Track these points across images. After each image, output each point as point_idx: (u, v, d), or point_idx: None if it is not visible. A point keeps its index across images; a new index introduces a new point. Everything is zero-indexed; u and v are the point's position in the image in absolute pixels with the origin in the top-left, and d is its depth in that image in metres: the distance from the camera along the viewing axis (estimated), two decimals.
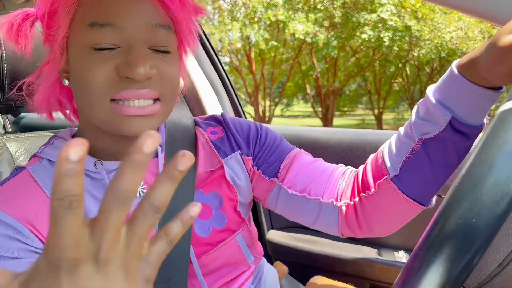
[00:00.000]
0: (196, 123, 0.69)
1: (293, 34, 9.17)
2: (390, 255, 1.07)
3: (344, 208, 0.61)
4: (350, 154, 1.13)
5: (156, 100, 0.52)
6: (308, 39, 9.40)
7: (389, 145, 0.57)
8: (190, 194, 0.58)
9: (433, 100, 0.50)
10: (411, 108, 15.07)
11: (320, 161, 0.67)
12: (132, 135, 0.51)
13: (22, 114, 0.96)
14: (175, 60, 0.54)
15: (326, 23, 9.67)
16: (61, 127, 0.91)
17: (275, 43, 10.35)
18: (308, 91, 14.11)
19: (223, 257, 0.60)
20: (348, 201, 0.61)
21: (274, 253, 1.27)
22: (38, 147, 0.78)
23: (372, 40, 9.38)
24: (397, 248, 1.10)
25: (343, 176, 0.64)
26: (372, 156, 0.61)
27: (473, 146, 0.50)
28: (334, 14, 9.40)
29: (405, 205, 0.56)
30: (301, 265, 1.18)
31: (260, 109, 12.38)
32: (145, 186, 0.56)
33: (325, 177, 0.63)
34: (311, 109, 17.58)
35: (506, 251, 0.90)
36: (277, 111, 19.40)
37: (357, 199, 0.59)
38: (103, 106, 0.49)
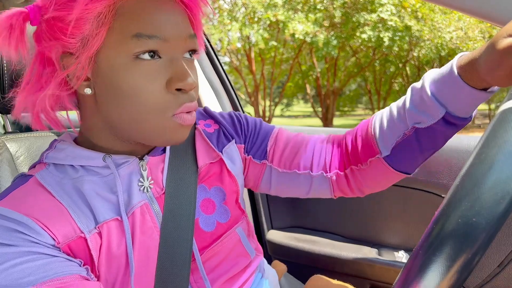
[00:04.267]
0: None
1: (293, 34, 9.17)
2: (390, 255, 1.07)
3: (334, 177, 0.65)
4: None
5: None
6: (308, 39, 9.40)
7: (381, 123, 0.60)
8: (193, 191, 0.58)
9: (429, 93, 0.52)
10: None
11: (300, 134, 0.70)
12: (176, 143, 0.53)
13: (22, 114, 0.96)
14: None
15: (326, 23, 9.66)
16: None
17: (275, 43, 10.35)
18: (308, 91, 14.12)
19: (225, 250, 0.60)
20: (338, 171, 0.65)
21: (274, 253, 1.27)
22: (38, 147, 0.78)
23: (372, 40, 9.38)
24: (397, 248, 1.10)
25: (326, 145, 0.67)
26: (361, 128, 0.64)
27: (473, 146, 0.50)
28: (334, 14, 9.39)
29: (394, 176, 0.62)
30: (301, 265, 1.18)
31: (260, 109, 12.38)
32: (152, 181, 0.56)
33: (309, 150, 0.66)
34: (311, 109, 17.58)
35: (506, 251, 0.90)
36: (277, 111, 19.41)
37: (348, 170, 0.64)
38: (166, 122, 0.50)
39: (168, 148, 0.60)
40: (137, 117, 0.49)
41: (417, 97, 0.54)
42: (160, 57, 0.48)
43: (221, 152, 0.64)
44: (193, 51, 0.53)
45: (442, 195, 1.00)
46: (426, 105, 0.53)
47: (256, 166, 0.68)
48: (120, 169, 0.54)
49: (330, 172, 0.65)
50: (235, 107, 1.43)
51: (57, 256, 0.45)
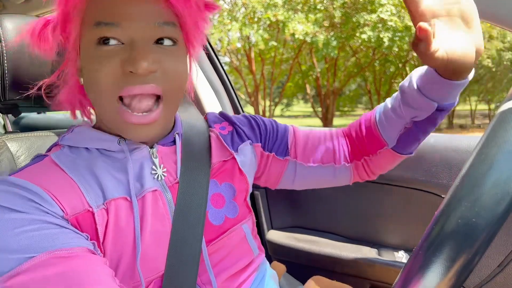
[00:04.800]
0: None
1: (293, 35, 9.16)
2: (390, 255, 1.07)
3: (353, 166, 0.74)
4: None
5: (158, 100, 0.53)
6: (308, 39, 9.40)
7: (381, 119, 0.68)
8: (205, 184, 0.61)
9: (421, 94, 0.59)
10: None
11: (313, 130, 0.77)
12: (137, 141, 0.56)
13: (22, 114, 0.96)
14: (180, 54, 0.55)
15: (326, 23, 9.66)
16: (61, 127, 0.91)
17: (275, 43, 10.35)
18: (308, 91, 14.12)
19: (230, 245, 0.62)
20: (356, 161, 0.74)
21: (274, 253, 1.27)
22: (38, 146, 0.79)
23: (372, 40, 9.38)
24: (397, 248, 1.10)
25: (341, 139, 0.75)
26: (364, 123, 0.72)
27: (473, 146, 0.50)
28: (333, 14, 9.39)
29: (400, 158, 0.71)
30: (301, 265, 1.18)
31: (260, 109, 12.39)
32: (165, 169, 0.59)
33: (329, 144, 0.74)
34: (311, 109, 17.58)
35: (506, 251, 0.90)
36: (277, 111, 19.40)
37: (362, 160, 0.73)
38: (112, 104, 0.51)
39: (178, 140, 0.63)
40: (97, 101, 0.53)
41: (410, 98, 0.61)
42: (122, 43, 0.50)
43: (235, 151, 0.68)
44: (168, 40, 0.53)
45: (442, 195, 1.00)
46: (420, 104, 0.60)
47: (279, 162, 0.73)
48: (133, 154, 0.57)
49: (351, 163, 0.74)
50: (235, 107, 1.43)
51: (65, 228, 0.47)
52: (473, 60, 0.51)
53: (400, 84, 0.65)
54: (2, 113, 0.86)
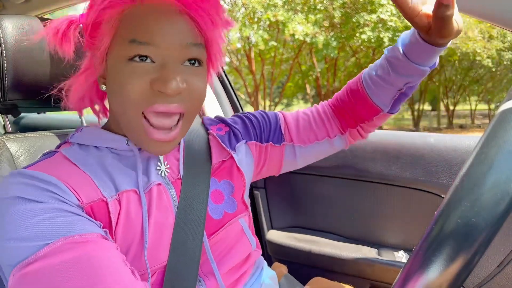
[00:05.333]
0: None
1: (293, 35, 9.16)
2: (390, 255, 1.07)
3: (348, 134, 0.79)
4: (350, 154, 1.13)
5: (179, 118, 0.57)
6: (308, 40, 9.40)
7: (371, 89, 0.72)
8: (206, 181, 0.65)
9: (414, 63, 0.65)
10: (411, 108, 15.10)
11: (300, 111, 0.82)
12: (154, 155, 0.61)
13: (22, 115, 0.96)
14: (204, 74, 0.58)
15: (325, 23, 9.66)
16: (61, 127, 0.91)
17: (274, 43, 10.35)
18: (308, 91, 14.12)
19: (229, 237, 0.65)
20: (350, 128, 0.78)
21: (274, 253, 1.27)
22: (38, 147, 0.79)
23: (372, 41, 9.38)
24: (397, 248, 1.10)
25: (330, 111, 0.80)
26: (352, 94, 0.75)
27: (473, 146, 0.50)
28: (333, 14, 9.39)
29: (389, 116, 0.76)
30: (301, 265, 1.18)
31: (260, 109, 12.39)
32: (168, 166, 0.63)
33: (319, 121, 0.79)
34: None
35: (506, 251, 0.90)
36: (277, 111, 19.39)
37: (358, 127, 0.77)
38: (136, 118, 0.54)
39: (182, 141, 0.67)
40: (122, 113, 0.55)
41: (401, 68, 0.66)
42: (153, 61, 0.53)
43: (233, 150, 0.71)
44: (195, 61, 0.56)
45: (442, 195, 1.00)
46: (412, 71, 0.66)
47: (277, 149, 0.77)
48: (141, 152, 0.61)
49: (345, 133, 0.79)
50: (234, 107, 1.43)
51: (80, 215, 0.49)
52: (456, 24, 0.57)
53: (384, 56, 0.70)
54: (1, 114, 0.85)
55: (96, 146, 0.60)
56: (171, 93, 0.51)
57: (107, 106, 0.67)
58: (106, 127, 0.64)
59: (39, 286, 0.42)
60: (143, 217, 0.55)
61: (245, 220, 0.69)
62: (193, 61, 0.55)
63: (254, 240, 0.70)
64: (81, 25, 0.58)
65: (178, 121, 0.56)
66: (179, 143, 0.66)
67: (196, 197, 0.62)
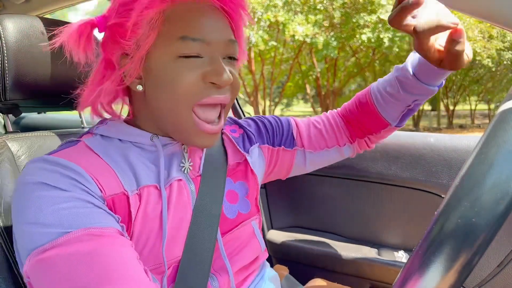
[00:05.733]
0: None
1: (293, 36, 9.16)
2: (390, 255, 1.07)
3: (357, 144, 0.82)
4: None
5: (222, 108, 0.59)
6: (308, 40, 9.39)
7: (380, 104, 0.74)
8: (222, 181, 0.66)
9: (423, 84, 0.67)
10: None
11: (311, 118, 0.84)
12: (205, 148, 0.63)
13: (22, 114, 0.96)
14: (237, 68, 0.61)
15: (325, 23, 9.65)
16: (61, 127, 0.91)
17: (274, 43, 10.34)
18: (308, 91, 14.12)
19: (242, 237, 0.66)
20: (359, 139, 0.81)
21: (274, 253, 1.27)
22: (39, 146, 0.79)
23: (372, 41, 9.38)
24: (397, 248, 1.10)
25: (340, 121, 0.82)
26: (360, 107, 0.78)
27: (473, 146, 0.51)
28: (333, 14, 9.38)
29: (396, 129, 0.79)
30: (301, 265, 1.18)
31: (260, 109, 12.38)
32: (192, 163, 0.64)
33: (330, 129, 0.81)
34: (311, 109, 17.58)
35: (506, 251, 0.90)
36: (277, 111, 19.40)
37: (365, 138, 0.81)
38: (187, 113, 0.55)
39: None
40: (169, 107, 0.55)
41: (410, 87, 0.69)
42: (201, 57, 0.55)
43: (247, 152, 0.73)
44: (233, 57, 0.58)
45: (442, 195, 1.00)
46: (422, 91, 0.68)
47: (288, 153, 0.79)
48: (165, 149, 0.61)
49: (354, 143, 0.82)
50: (234, 107, 1.43)
51: (101, 208, 0.50)
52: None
53: (393, 74, 0.72)
54: (2, 113, 0.86)
55: (120, 139, 0.60)
56: (224, 84, 0.54)
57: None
58: (129, 122, 0.63)
59: (53, 272, 0.43)
60: (163, 212, 0.56)
61: (256, 223, 0.70)
62: (231, 56, 0.58)
63: (263, 242, 0.71)
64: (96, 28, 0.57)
65: (220, 113, 0.59)
66: None
67: (213, 194, 0.63)
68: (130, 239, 0.53)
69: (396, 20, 0.55)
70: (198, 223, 0.60)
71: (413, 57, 0.69)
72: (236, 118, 0.80)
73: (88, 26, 0.56)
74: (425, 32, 0.54)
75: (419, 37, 0.55)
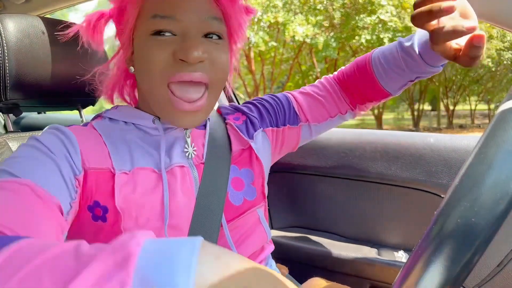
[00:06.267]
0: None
1: (293, 37, 9.15)
2: (389, 255, 1.07)
3: (357, 109, 0.82)
4: (350, 154, 1.13)
5: (205, 88, 0.58)
6: (308, 41, 9.39)
7: (382, 76, 0.74)
8: (226, 168, 0.66)
9: (426, 65, 0.67)
10: (411, 108, 15.08)
11: (306, 88, 0.83)
12: (182, 127, 0.62)
13: (22, 114, 0.96)
14: (225, 48, 0.60)
15: (326, 23, 9.64)
16: None
17: (274, 44, 10.34)
18: None
19: (247, 225, 0.66)
20: (359, 104, 0.81)
21: (274, 253, 1.27)
22: None
23: (372, 42, 9.36)
24: (396, 248, 1.10)
25: (337, 88, 0.81)
26: (361, 76, 0.77)
27: (473, 146, 0.51)
28: (333, 15, 9.37)
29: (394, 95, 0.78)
30: (301, 265, 1.18)
31: None
32: (195, 148, 0.65)
33: (330, 98, 0.81)
34: None
35: (506, 250, 0.90)
36: None
37: (366, 104, 0.81)
38: (162, 90, 0.56)
39: (208, 125, 0.70)
40: (149, 88, 0.57)
41: (415, 66, 0.68)
42: (175, 35, 0.55)
43: (251, 138, 0.73)
44: (215, 35, 0.58)
45: (442, 195, 1.00)
46: (426, 70, 0.68)
47: (293, 130, 0.79)
48: (167, 133, 0.63)
49: (355, 109, 0.82)
50: None
51: (63, 178, 0.50)
52: None
53: (398, 50, 0.71)
54: (3, 113, 0.86)
55: (125, 122, 0.62)
56: (192, 60, 0.53)
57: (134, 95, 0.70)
58: (137, 107, 0.67)
59: None
60: (164, 196, 0.56)
61: (262, 211, 0.71)
62: (213, 34, 0.58)
63: (269, 230, 0.71)
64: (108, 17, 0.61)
65: (204, 92, 0.58)
66: (205, 128, 0.69)
67: (217, 181, 0.63)
68: (117, 217, 0.53)
69: (420, 20, 0.54)
70: (201, 211, 0.60)
71: (420, 36, 0.68)
72: (237, 105, 0.80)
73: (96, 15, 0.60)
74: (440, 37, 0.54)
75: (435, 39, 0.55)
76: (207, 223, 0.60)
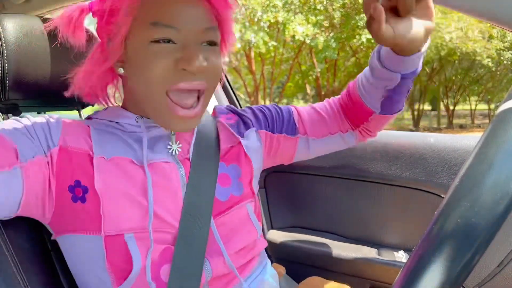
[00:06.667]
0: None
1: (293, 36, 9.15)
2: (389, 255, 1.07)
3: (357, 131, 0.81)
4: (350, 154, 1.13)
5: (201, 93, 0.60)
6: (308, 41, 9.39)
7: (361, 92, 0.74)
8: (215, 166, 0.67)
9: (384, 69, 0.65)
10: (411, 108, 15.09)
11: (313, 105, 0.83)
12: (182, 132, 0.63)
13: (22, 114, 0.96)
14: (219, 53, 0.62)
15: (326, 23, 9.65)
16: None
17: (274, 44, 10.34)
18: (308, 91, 14.11)
19: (235, 220, 0.67)
20: (357, 127, 0.80)
21: (274, 253, 1.27)
22: None
23: (372, 41, 9.37)
24: (396, 248, 1.10)
25: (340, 108, 0.81)
26: (348, 97, 0.78)
27: (473, 146, 0.51)
28: (333, 15, 9.37)
29: (391, 117, 0.77)
30: (301, 265, 1.18)
31: None
32: (181, 145, 0.66)
33: (332, 115, 0.81)
34: None
35: (506, 250, 0.90)
36: None
37: (361, 127, 0.80)
38: (160, 97, 0.57)
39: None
40: (146, 94, 0.58)
41: (376, 71, 0.67)
42: (175, 43, 0.56)
43: (241, 136, 0.74)
44: (211, 43, 0.59)
45: (442, 195, 1.00)
46: (385, 76, 0.66)
47: (290, 141, 0.79)
48: (149, 131, 0.64)
49: (355, 130, 0.81)
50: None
51: (30, 139, 0.55)
52: (421, 40, 0.56)
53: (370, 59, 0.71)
54: (2, 113, 0.86)
55: (110, 121, 0.64)
56: (196, 70, 0.55)
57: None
58: (123, 106, 0.67)
59: None
60: (148, 187, 0.58)
61: (251, 206, 0.71)
62: (210, 42, 0.59)
63: (259, 226, 0.71)
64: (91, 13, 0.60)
65: (198, 98, 0.60)
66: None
67: (204, 179, 0.64)
68: (96, 199, 0.56)
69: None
70: (189, 207, 0.61)
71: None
72: (233, 107, 0.81)
73: (78, 11, 0.59)
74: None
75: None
76: (196, 220, 0.61)
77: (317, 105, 0.83)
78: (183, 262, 0.58)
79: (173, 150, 0.64)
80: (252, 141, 0.75)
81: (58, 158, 0.56)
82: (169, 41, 0.55)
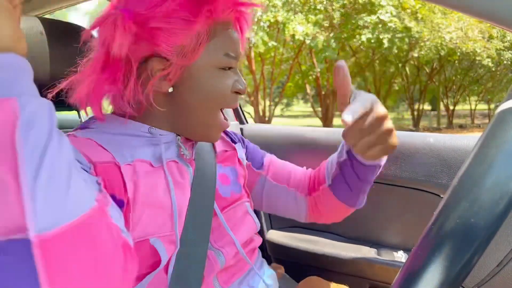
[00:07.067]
0: None
1: (293, 36, 9.15)
2: (389, 255, 1.07)
3: (308, 201, 0.85)
4: None
5: None
6: (308, 41, 9.39)
7: (327, 165, 0.82)
8: (213, 163, 0.73)
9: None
10: (411, 108, 15.11)
11: (292, 164, 0.90)
12: (208, 141, 0.70)
13: None
14: None
15: (326, 23, 9.65)
16: (60, 127, 0.91)
17: (274, 43, 10.34)
18: (308, 91, 14.11)
19: (237, 215, 0.72)
20: (309, 196, 0.85)
21: (273, 253, 1.27)
22: None
23: (372, 41, 9.37)
24: (396, 248, 1.10)
25: (309, 175, 0.87)
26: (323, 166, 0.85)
27: (472, 146, 0.51)
28: (333, 15, 9.37)
29: (339, 206, 0.81)
30: (301, 265, 1.18)
31: (260, 109, 12.38)
32: (186, 148, 0.69)
33: (299, 174, 0.87)
34: (311, 109, 17.58)
35: (505, 250, 0.90)
36: (277, 111, 19.40)
37: (312, 196, 0.84)
38: (217, 114, 0.65)
39: None
40: (205, 107, 0.63)
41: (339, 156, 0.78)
42: (233, 68, 0.66)
43: (235, 144, 0.82)
44: None
45: (441, 195, 1.00)
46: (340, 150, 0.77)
47: (252, 173, 0.85)
48: (161, 138, 0.65)
49: (307, 197, 0.85)
50: (235, 110, 1.42)
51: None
52: (377, 157, 0.64)
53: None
54: None
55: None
56: (244, 92, 0.66)
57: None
58: (138, 121, 0.65)
59: None
60: (170, 190, 0.60)
61: (249, 204, 0.77)
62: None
63: (258, 221, 0.77)
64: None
65: None
66: None
67: (207, 175, 0.70)
68: (128, 207, 0.55)
69: (352, 138, 0.62)
70: (196, 200, 0.65)
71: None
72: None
73: (119, 18, 0.54)
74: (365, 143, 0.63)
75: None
76: (200, 214, 0.65)
77: (295, 166, 0.90)
78: (189, 251, 0.61)
79: (185, 154, 0.67)
80: (241, 152, 0.83)
81: (95, 174, 0.53)
82: (230, 68, 0.64)
